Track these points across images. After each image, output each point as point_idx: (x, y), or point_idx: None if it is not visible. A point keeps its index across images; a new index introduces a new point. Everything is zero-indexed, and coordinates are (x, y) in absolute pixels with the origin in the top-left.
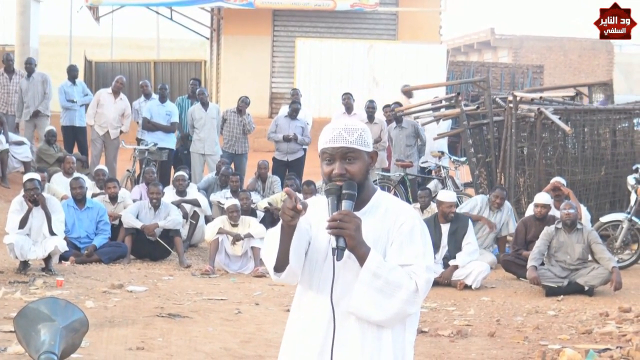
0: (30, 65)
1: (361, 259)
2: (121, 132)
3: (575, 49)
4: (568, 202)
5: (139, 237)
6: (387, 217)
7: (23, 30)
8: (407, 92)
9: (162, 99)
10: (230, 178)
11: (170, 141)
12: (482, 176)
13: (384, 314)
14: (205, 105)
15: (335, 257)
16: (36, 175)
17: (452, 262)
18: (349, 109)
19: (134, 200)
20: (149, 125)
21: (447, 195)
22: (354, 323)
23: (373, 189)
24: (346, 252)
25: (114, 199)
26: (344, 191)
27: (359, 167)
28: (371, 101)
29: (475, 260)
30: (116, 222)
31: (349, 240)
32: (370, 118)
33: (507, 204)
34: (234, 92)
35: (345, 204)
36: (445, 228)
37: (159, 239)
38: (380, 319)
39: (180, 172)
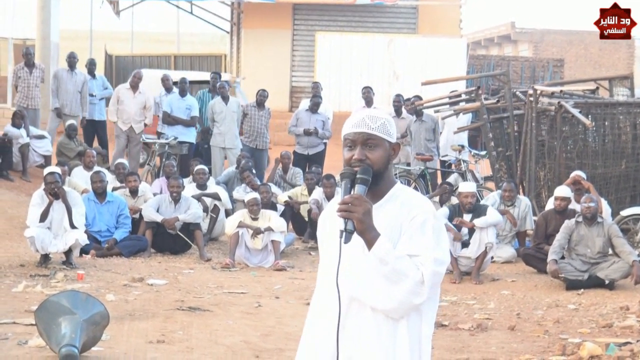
0: (73, 59)
1: (369, 244)
2: (145, 125)
3: (596, 42)
4: (588, 195)
5: (159, 230)
6: (402, 210)
7: (44, 24)
8: None
9: (182, 93)
10: (245, 175)
11: (190, 135)
12: (503, 170)
13: (388, 303)
14: (225, 99)
15: (342, 239)
16: (56, 169)
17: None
18: (368, 102)
19: (155, 194)
20: (169, 119)
21: (466, 186)
22: (369, 314)
23: (392, 181)
24: (360, 240)
25: (134, 192)
26: (358, 175)
27: (379, 155)
28: (398, 95)
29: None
30: (137, 215)
31: (357, 223)
32: (397, 112)
33: (524, 199)
34: (254, 86)
35: (358, 188)
36: (467, 217)
37: (179, 233)
38: (384, 307)
39: (200, 166)
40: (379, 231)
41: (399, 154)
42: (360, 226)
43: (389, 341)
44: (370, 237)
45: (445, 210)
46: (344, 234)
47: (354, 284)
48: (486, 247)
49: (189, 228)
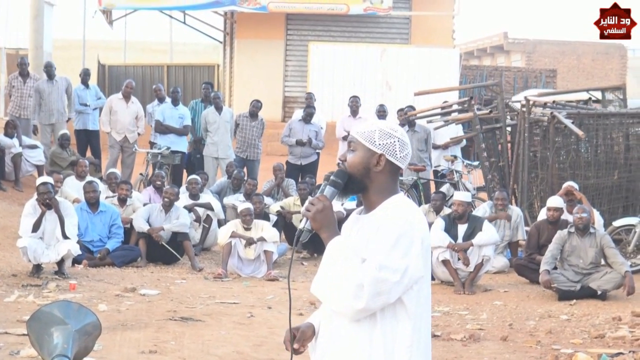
0: (50, 69)
1: (325, 244)
2: (139, 134)
3: (589, 53)
4: (581, 206)
5: (151, 240)
6: (380, 220)
7: (37, 34)
8: None
9: (175, 102)
10: (248, 181)
11: (182, 144)
12: (495, 180)
13: (335, 303)
14: (219, 109)
15: (300, 237)
16: (49, 179)
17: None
18: (354, 112)
19: (145, 204)
20: (162, 128)
21: (458, 195)
22: (346, 323)
23: (389, 192)
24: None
25: (123, 201)
26: (330, 178)
27: (355, 160)
28: (381, 105)
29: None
30: (127, 225)
31: (311, 222)
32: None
33: (516, 209)
34: (247, 96)
35: (326, 190)
36: (462, 229)
37: (165, 245)
38: (334, 307)
39: (193, 176)
40: (357, 239)
41: None
42: (314, 225)
43: (365, 351)
44: (324, 236)
45: (441, 222)
46: (302, 232)
47: (317, 284)
48: (483, 260)
49: (177, 239)
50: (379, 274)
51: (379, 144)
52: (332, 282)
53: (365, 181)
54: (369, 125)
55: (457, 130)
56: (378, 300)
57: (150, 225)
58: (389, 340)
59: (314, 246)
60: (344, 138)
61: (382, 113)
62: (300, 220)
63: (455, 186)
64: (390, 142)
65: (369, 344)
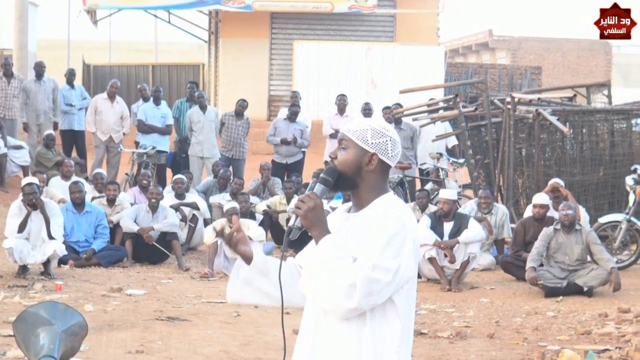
0: (40, 68)
1: (316, 242)
2: (124, 134)
3: (574, 50)
4: (566, 203)
5: (138, 240)
6: (372, 220)
7: (21, 34)
8: None
9: (157, 101)
10: (235, 181)
11: (165, 144)
12: (481, 178)
13: (326, 302)
14: (203, 108)
15: (290, 235)
16: (35, 180)
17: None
18: (341, 110)
19: (131, 204)
20: (145, 128)
21: (444, 193)
22: (335, 321)
23: (380, 191)
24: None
25: (111, 201)
26: (320, 175)
27: (346, 157)
28: (367, 103)
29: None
30: (111, 224)
31: (302, 220)
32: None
33: (501, 207)
34: (232, 95)
35: (316, 187)
36: (447, 226)
37: (155, 244)
38: (324, 305)
39: (179, 175)
40: (347, 237)
41: None
42: (305, 222)
43: (353, 351)
44: (315, 234)
45: (427, 220)
46: (292, 230)
47: (306, 282)
48: (469, 257)
49: (166, 238)
50: (372, 273)
51: (372, 143)
52: (323, 280)
53: (356, 179)
54: (360, 123)
55: (444, 127)
56: (369, 300)
57: (137, 225)
58: (378, 340)
59: (300, 244)
60: (331, 136)
61: (367, 111)
62: (287, 219)
63: (440, 184)
64: (382, 141)
65: (358, 344)
